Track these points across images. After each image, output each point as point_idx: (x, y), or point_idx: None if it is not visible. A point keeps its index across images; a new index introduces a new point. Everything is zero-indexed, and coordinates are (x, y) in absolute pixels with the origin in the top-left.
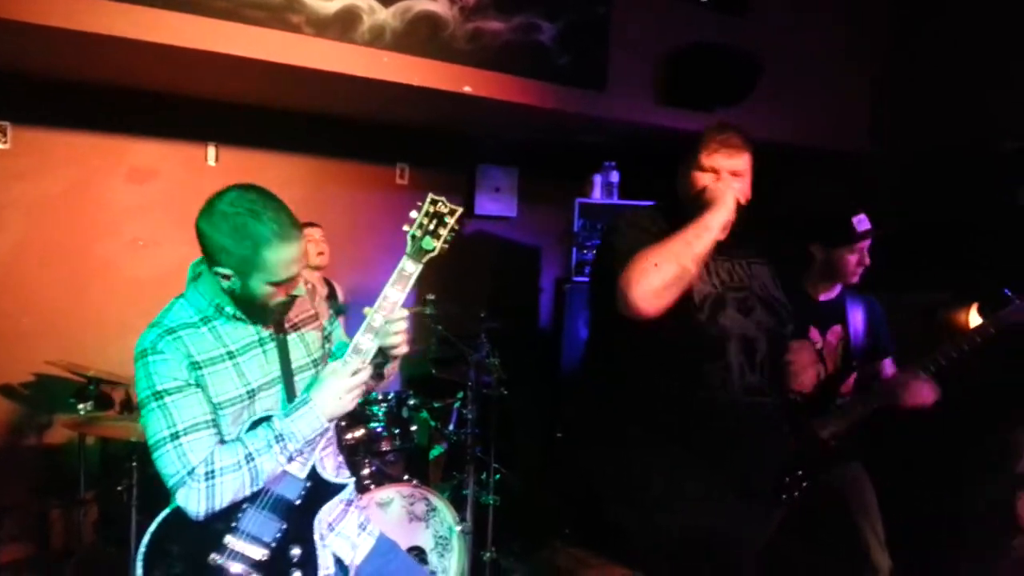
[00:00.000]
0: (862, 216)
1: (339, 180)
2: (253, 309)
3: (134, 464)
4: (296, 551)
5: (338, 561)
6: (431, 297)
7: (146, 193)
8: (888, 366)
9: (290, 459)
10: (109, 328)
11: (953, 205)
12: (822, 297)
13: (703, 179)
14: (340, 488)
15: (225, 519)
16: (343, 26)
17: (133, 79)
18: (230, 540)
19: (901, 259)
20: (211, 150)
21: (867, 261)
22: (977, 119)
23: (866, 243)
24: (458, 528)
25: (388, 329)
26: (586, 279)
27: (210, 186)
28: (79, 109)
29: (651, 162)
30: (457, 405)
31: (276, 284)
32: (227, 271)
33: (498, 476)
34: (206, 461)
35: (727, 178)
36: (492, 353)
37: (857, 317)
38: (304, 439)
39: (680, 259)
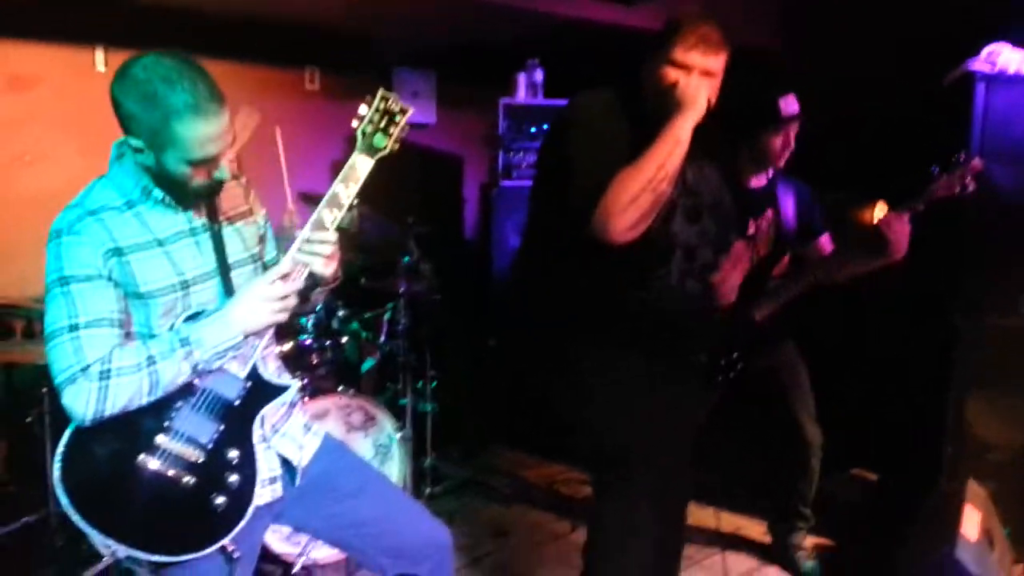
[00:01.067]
0: (789, 97)
1: (242, 86)
2: (176, 190)
3: (44, 392)
4: (234, 453)
5: (285, 462)
6: (355, 202)
7: (29, 103)
8: (826, 243)
9: (195, 369)
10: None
11: (868, 97)
12: (753, 183)
13: (673, 75)
14: (282, 390)
15: (156, 417)
16: None
17: None
18: (163, 440)
19: (814, 157)
20: (99, 54)
21: (792, 145)
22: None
23: (792, 127)
24: (398, 436)
25: (314, 249)
26: (513, 183)
27: (100, 94)
28: None
29: (575, 58)
30: (388, 316)
31: (193, 164)
32: (139, 144)
33: (434, 384)
34: (103, 359)
35: (697, 77)
36: (423, 259)
37: (787, 201)
38: (212, 348)
39: (655, 184)
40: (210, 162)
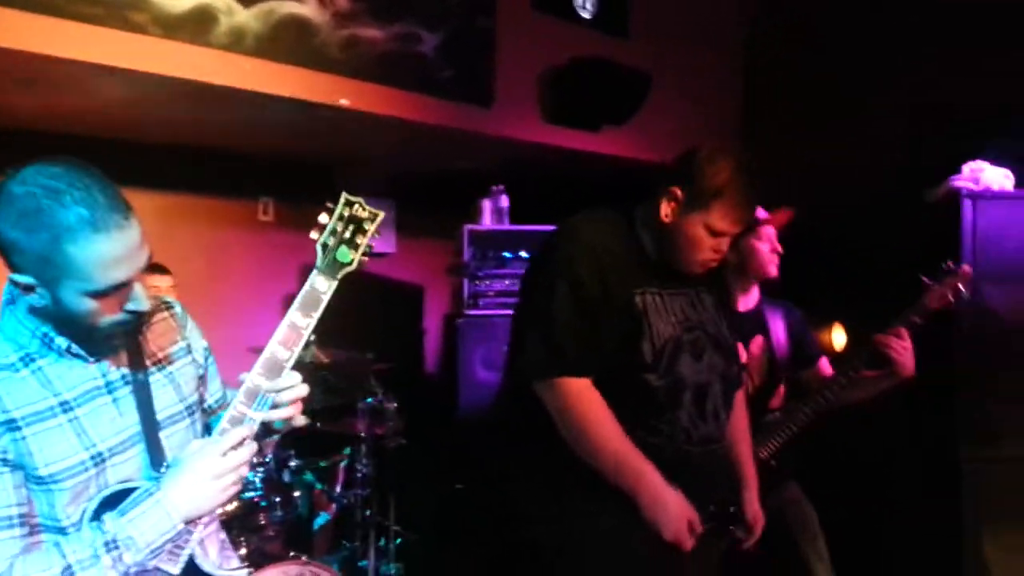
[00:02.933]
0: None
1: (192, 218)
2: (88, 338)
3: None
4: None
5: None
6: (312, 338)
7: None
8: (825, 366)
9: (127, 575)
10: None
11: (851, 214)
12: (741, 307)
13: (700, 236)
14: None
15: None
16: (196, 27)
17: None
18: None
19: (794, 277)
20: None
21: (779, 248)
22: (849, 133)
23: (770, 230)
24: None
25: (282, 398)
26: (480, 312)
27: None
28: None
29: (539, 184)
30: (345, 463)
31: (97, 295)
32: (27, 280)
33: (399, 541)
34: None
35: (724, 244)
36: (386, 398)
37: (777, 324)
38: (148, 546)
39: (593, 455)
40: (119, 290)
